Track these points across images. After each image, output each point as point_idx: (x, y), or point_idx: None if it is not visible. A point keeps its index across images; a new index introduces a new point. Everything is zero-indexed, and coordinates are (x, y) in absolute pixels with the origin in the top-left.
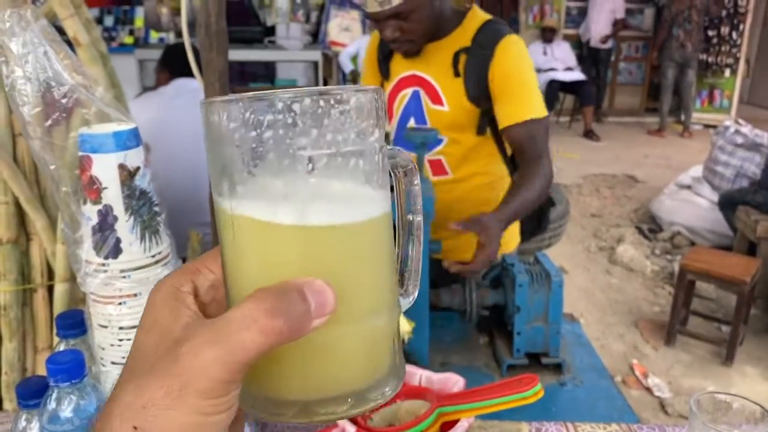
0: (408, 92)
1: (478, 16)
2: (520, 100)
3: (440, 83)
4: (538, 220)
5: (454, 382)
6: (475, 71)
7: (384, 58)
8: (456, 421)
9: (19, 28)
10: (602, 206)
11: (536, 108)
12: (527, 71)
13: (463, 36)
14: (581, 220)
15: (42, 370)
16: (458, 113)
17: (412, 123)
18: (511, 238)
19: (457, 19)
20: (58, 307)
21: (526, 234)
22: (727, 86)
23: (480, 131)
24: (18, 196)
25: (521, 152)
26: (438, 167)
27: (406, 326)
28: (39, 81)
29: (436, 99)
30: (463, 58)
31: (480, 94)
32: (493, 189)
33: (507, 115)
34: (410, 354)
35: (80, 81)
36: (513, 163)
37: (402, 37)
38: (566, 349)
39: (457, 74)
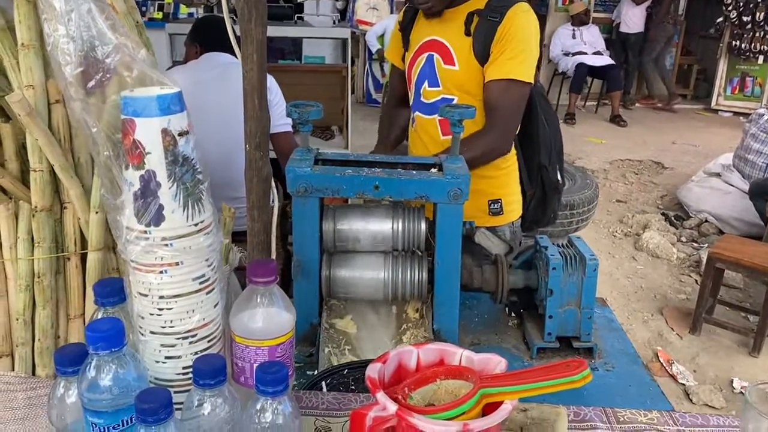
0: (424, 57)
1: None
2: (511, 59)
3: (453, 44)
4: (542, 207)
5: (496, 362)
6: (484, 32)
7: (404, 30)
8: (498, 403)
9: None
10: (628, 192)
11: (523, 71)
12: (529, 38)
13: (478, 2)
14: (607, 205)
15: (74, 338)
16: (467, 72)
17: (425, 86)
18: (514, 204)
19: None
20: (91, 275)
21: (530, 222)
22: (760, 73)
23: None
24: (53, 164)
25: (489, 109)
26: (448, 125)
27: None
28: (82, 40)
29: (448, 59)
30: (475, 20)
31: (484, 53)
32: None
33: (492, 71)
34: (439, 333)
35: (124, 42)
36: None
37: None
38: (597, 334)
39: (468, 33)
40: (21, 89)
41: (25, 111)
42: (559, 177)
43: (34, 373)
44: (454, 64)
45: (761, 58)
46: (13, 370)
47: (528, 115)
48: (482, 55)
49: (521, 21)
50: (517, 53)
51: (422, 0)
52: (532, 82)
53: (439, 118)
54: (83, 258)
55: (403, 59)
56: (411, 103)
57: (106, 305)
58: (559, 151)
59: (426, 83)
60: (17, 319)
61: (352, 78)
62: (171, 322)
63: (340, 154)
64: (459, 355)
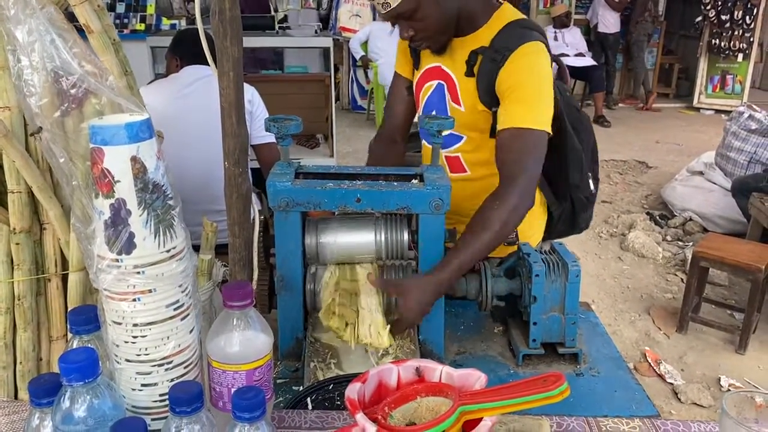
0: (433, 84)
1: (504, 16)
2: (518, 104)
3: (459, 81)
4: (571, 222)
5: (476, 378)
6: (487, 74)
7: (414, 48)
8: (478, 420)
9: (24, 15)
10: (613, 192)
11: (538, 119)
12: (537, 82)
13: (486, 35)
14: None
15: (56, 360)
16: (473, 114)
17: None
18: (533, 233)
19: (486, 16)
20: (72, 296)
21: (556, 235)
22: (739, 71)
23: (493, 134)
24: (31, 185)
25: (500, 164)
26: (456, 165)
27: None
28: (47, 71)
29: (455, 98)
30: (479, 59)
31: (490, 97)
32: None
33: (503, 119)
34: (425, 343)
35: (90, 70)
36: None
37: (417, 36)
38: (582, 339)
39: (470, 74)
40: None
41: (1, 133)
42: (592, 187)
43: (16, 397)
44: (460, 105)
45: (740, 55)
46: None
47: (557, 132)
48: (488, 99)
49: (525, 64)
50: (525, 97)
51: (415, 44)
52: (546, 128)
53: (446, 154)
54: (64, 279)
55: (412, 73)
56: (420, 129)
57: (81, 333)
58: (592, 155)
59: (434, 114)
60: None
61: (337, 85)
62: (146, 349)
63: (322, 167)
64: (439, 371)
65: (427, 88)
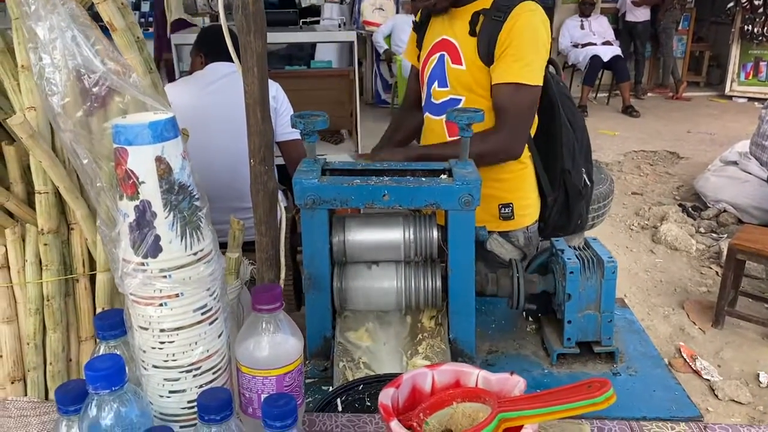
0: (435, 57)
1: None
2: (516, 61)
3: (460, 43)
4: (566, 212)
5: (514, 383)
6: (488, 32)
7: (419, 30)
8: (518, 427)
9: (45, 11)
10: (644, 184)
11: (529, 74)
12: (534, 38)
13: (485, 1)
14: (623, 198)
15: (86, 360)
16: (472, 72)
17: (435, 86)
18: (528, 212)
19: None
20: (101, 296)
21: (554, 229)
22: None
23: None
24: (58, 186)
25: (496, 113)
26: (454, 128)
27: None
28: (68, 69)
29: (456, 59)
30: (480, 19)
31: (489, 54)
32: None
33: (498, 73)
34: (455, 342)
35: (113, 67)
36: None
37: None
38: (617, 336)
39: (473, 33)
40: (23, 111)
41: (27, 133)
42: (586, 180)
43: (47, 398)
44: (461, 64)
45: None
46: (25, 395)
47: (550, 117)
48: (487, 56)
49: (526, 21)
50: (523, 55)
51: (421, 2)
52: (540, 83)
53: (447, 120)
54: (92, 279)
55: (418, 59)
56: (423, 104)
57: (108, 339)
58: (586, 154)
59: (436, 83)
60: (28, 344)
61: (361, 80)
62: (173, 355)
63: (348, 163)
64: (475, 375)
65: (430, 63)
